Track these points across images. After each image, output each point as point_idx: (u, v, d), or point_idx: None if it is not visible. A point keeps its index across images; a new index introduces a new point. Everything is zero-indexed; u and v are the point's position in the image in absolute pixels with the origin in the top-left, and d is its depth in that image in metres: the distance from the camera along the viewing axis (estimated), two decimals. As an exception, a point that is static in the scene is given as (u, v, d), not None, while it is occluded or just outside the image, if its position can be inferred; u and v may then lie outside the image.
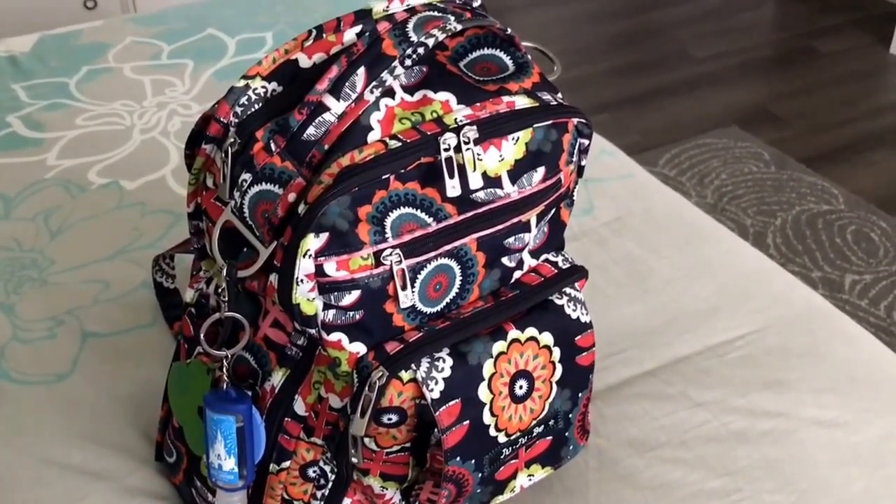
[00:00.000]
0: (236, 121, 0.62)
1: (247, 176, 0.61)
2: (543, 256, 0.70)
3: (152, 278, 0.95)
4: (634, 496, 0.75)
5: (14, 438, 0.81)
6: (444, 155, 0.61)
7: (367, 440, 0.63)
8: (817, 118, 2.18)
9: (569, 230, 1.04)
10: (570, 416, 0.69)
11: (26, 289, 0.97)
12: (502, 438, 0.65)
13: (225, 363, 0.65)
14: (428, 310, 0.64)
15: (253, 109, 0.62)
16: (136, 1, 2.19)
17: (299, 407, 0.66)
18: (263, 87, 0.63)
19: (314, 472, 0.67)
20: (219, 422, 0.65)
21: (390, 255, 0.60)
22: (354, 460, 0.64)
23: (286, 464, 0.67)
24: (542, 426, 0.68)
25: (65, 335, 0.92)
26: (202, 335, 0.64)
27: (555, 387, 0.67)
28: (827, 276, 1.68)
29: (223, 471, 0.66)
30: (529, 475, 0.70)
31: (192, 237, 0.70)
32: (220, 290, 0.63)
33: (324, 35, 0.64)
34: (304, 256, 0.58)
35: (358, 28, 0.64)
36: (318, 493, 0.68)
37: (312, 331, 0.61)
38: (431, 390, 0.61)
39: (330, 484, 0.67)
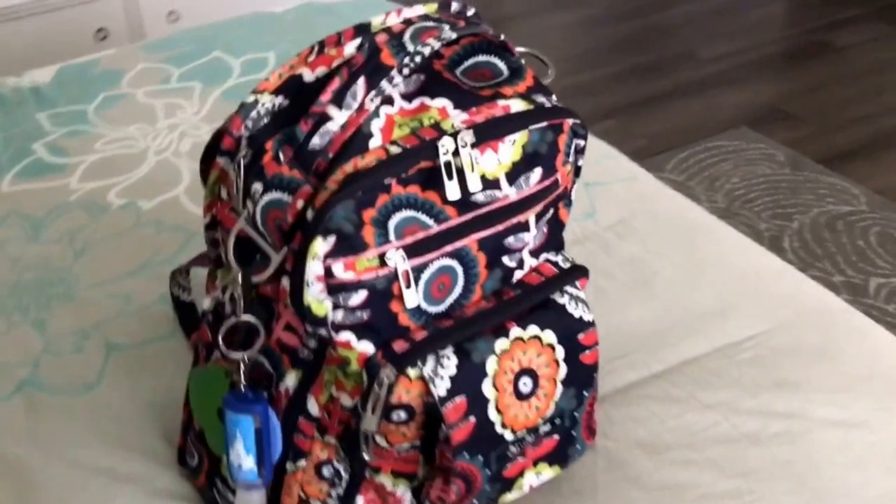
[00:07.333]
0: (247, 133, 0.65)
1: (258, 186, 0.64)
2: (544, 256, 0.72)
3: (170, 292, 0.98)
4: (643, 497, 0.75)
5: (47, 445, 0.84)
6: (442, 159, 0.63)
7: (378, 438, 0.66)
8: (834, 115, 2.09)
9: (572, 234, 1.05)
10: (576, 414, 0.71)
11: (55, 305, 1.01)
12: (509, 436, 0.67)
13: (242, 365, 0.68)
14: (433, 309, 0.66)
15: (263, 123, 0.65)
16: (146, 27, 2.22)
17: (312, 407, 0.68)
18: (271, 101, 0.66)
19: (328, 471, 0.70)
20: (237, 421, 0.68)
21: (394, 256, 0.63)
22: (366, 457, 0.66)
23: (302, 463, 0.70)
24: (549, 424, 0.70)
25: (91, 348, 0.96)
26: (220, 338, 0.67)
27: (559, 385, 0.69)
28: (850, 281, 1.61)
29: (243, 470, 0.69)
30: (537, 473, 0.71)
31: (208, 248, 0.73)
32: (236, 296, 0.66)
33: (325, 49, 0.67)
34: (313, 259, 0.61)
35: (357, 41, 0.67)
36: (333, 493, 0.70)
37: (323, 331, 0.64)
38: (438, 387, 0.63)
39: (344, 483, 0.70)
